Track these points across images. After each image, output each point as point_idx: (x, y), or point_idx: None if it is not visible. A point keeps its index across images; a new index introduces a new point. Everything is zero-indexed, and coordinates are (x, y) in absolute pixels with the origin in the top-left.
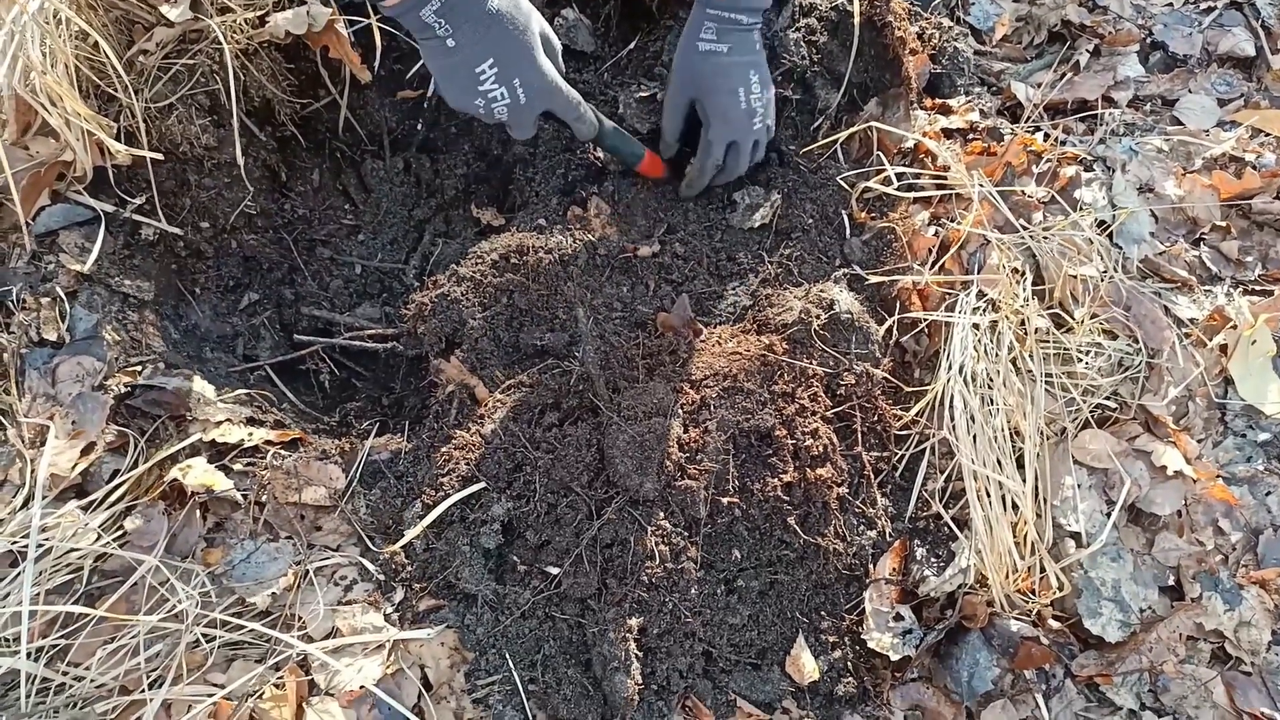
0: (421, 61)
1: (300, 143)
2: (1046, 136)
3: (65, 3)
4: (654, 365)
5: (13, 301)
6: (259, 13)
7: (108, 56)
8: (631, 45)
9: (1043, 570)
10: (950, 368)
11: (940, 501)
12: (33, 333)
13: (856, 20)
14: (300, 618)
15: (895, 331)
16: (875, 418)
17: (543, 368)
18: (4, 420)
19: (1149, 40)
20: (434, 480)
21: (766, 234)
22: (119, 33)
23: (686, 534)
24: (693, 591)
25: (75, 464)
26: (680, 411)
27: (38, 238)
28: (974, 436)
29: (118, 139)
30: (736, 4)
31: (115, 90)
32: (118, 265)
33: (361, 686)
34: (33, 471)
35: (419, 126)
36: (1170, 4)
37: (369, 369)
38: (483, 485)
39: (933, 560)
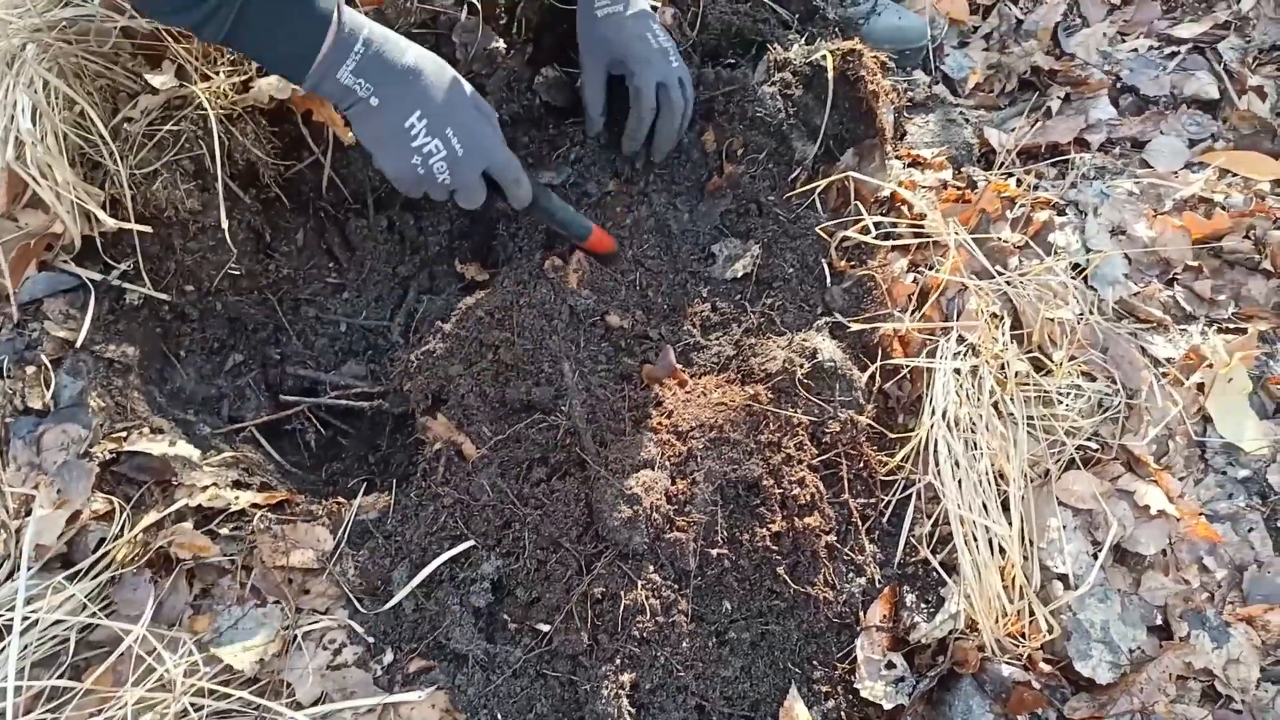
0: None
1: (284, 203)
2: (1019, 182)
3: (53, 74)
4: (640, 417)
5: None
6: (243, 78)
7: (94, 125)
8: None
9: (1032, 613)
10: (933, 413)
11: (928, 547)
12: (17, 401)
13: (830, 75)
14: (289, 684)
15: (878, 378)
16: (861, 464)
17: (529, 423)
18: None
19: (1118, 84)
20: (422, 539)
21: (748, 284)
22: (104, 101)
23: (677, 586)
24: (684, 645)
25: (61, 534)
26: (668, 463)
27: (22, 306)
28: (959, 481)
29: (104, 207)
30: None
31: (102, 158)
32: (103, 331)
33: None
34: (18, 543)
35: None
36: (1135, 49)
37: (355, 427)
38: (472, 543)
39: (923, 606)
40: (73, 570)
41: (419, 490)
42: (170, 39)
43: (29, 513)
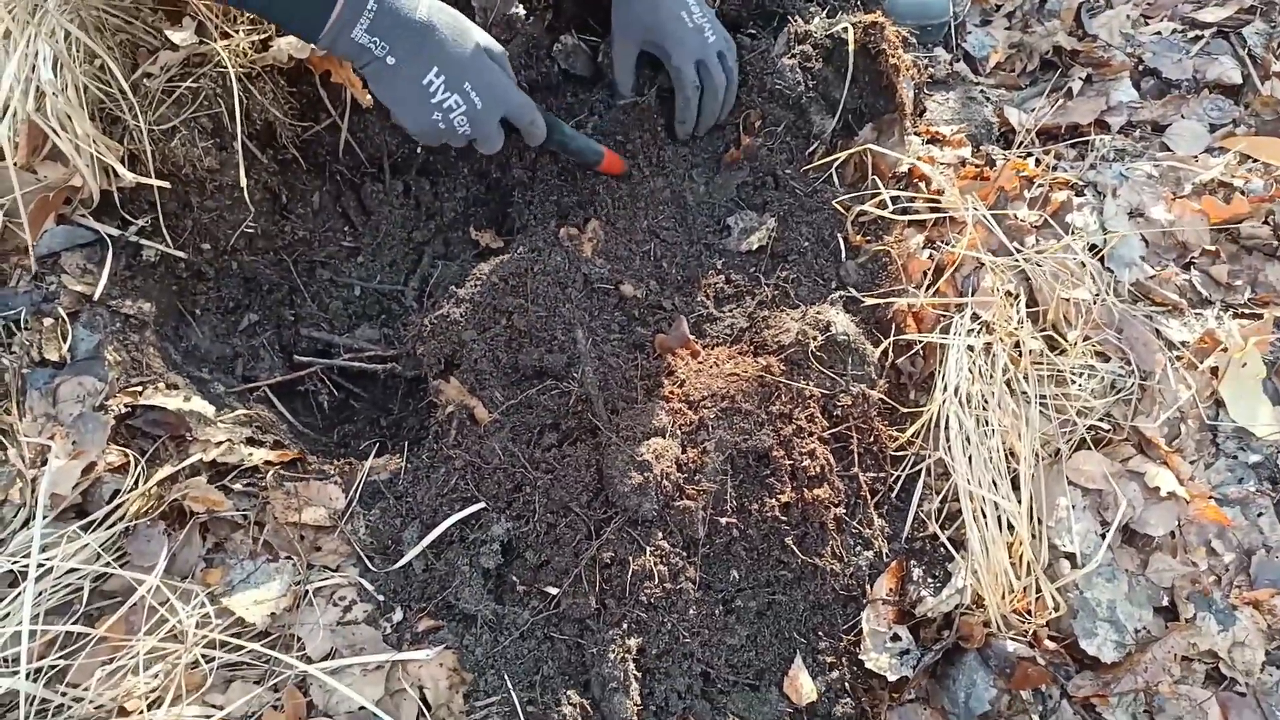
0: None
1: (301, 165)
2: (1038, 162)
3: (75, 25)
4: (652, 386)
5: (15, 323)
6: (262, 37)
7: (115, 79)
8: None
9: (1039, 591)
10: (946, 389)
11: (936, 522)
12: (34, 353)
13: (851, 48)
14: (299, 638)
15: (891, 353)
16: (872, 439)
17: (542, 388)
18: (5, 440)
19: (1140, 67)
20: (433, 500)
21: (763, 257)
22: (124, 55)
23: (685, 554)
24: (691, 612)
25: (76, 484)
26: (679, 432)
27: (40, 259)
28: (969, 457)
29: (123, 161)
30: None
31: (121, 112)
32: (119, 286)
33: (361, 707)
34: (34, 492)
35: (419, 150)
36: (1158, 32)
37: (368, 390)
38: (482, 505)
39: (929, 581)
40: (87, 520)
41: (430, 452)
42: None
43: (45, 463)
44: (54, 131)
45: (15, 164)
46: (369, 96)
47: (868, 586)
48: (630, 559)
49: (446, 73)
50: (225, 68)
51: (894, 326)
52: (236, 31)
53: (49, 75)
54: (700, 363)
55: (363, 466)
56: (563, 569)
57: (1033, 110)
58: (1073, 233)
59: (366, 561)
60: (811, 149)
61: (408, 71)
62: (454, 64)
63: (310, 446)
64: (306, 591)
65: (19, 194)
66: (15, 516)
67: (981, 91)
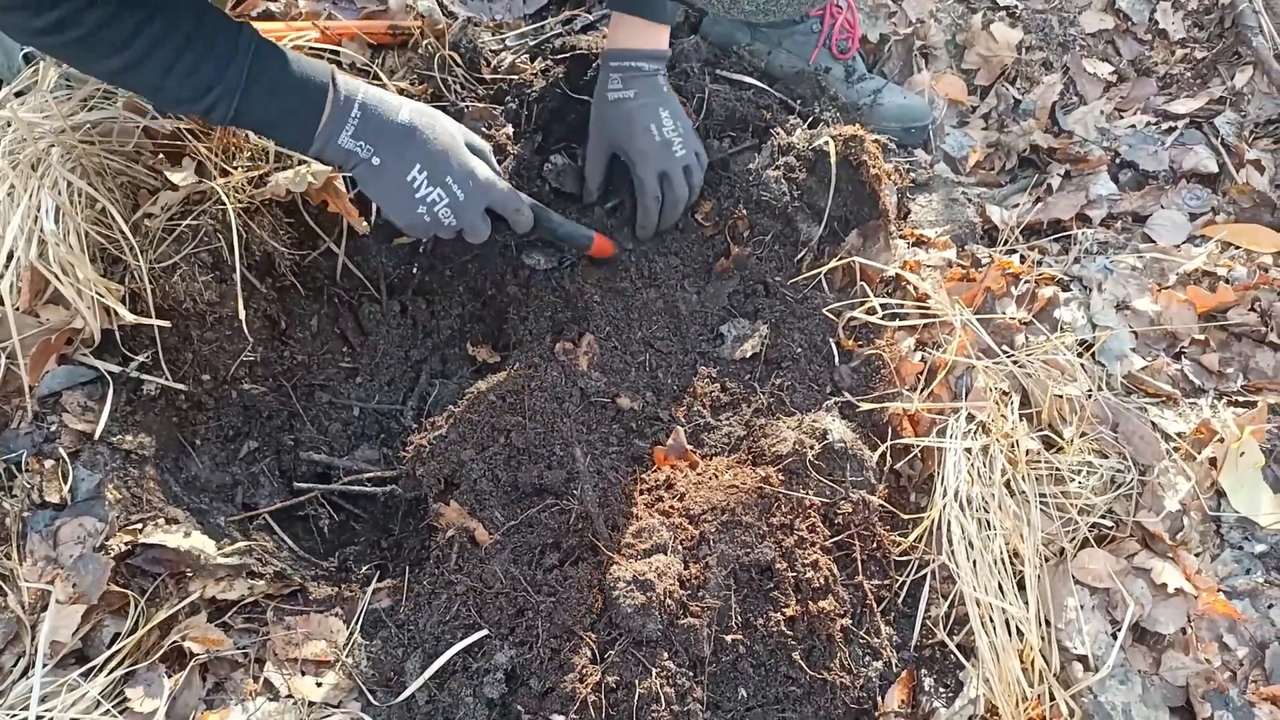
0: None
1: (299, 291)
2: (1023, 259)
3: (76, 174)
4: (652, 500)
5: (16, 465)
6: (260, 173)
7: (116, 222)
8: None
9: (1053, 697)
10: (945, 493)
11: (944, 628)
12: (35, 495)
13: (833, 160)
14: None
15: (889, 457)
16: (874, 545)
17: (542, 507)
18: (5, 586)
19: (1118, 160)
20: (435, 628)
21: (757, 364)
22: (125, 197)
23: (691, 674)
24: None
25: (76, 630)
26: (680, 547)
27: (41, 400)
28: (974, 562)
29: (123, 300)
30: (635, 54)
31: (122, 252)
32: (120, 423)
33: None
34: (34, 639)
35: (414, 270)
36: (1132, 126)
37: (368, 511)
38: (485, 633)
39: (941, 690)
40: (87, 667)
41: (432, 577)
42: (190, 138)
43: (45, 608)
44: (56, 277)
45: (17, 309)
46: (365, 224)
47: (879, 699)
48: (636, 682)
49: (429, 169)
50: (224, 204)
51: (890, 430)
52: (235, 169)
53: (51, 226)
54: (699, 474)
55: (364, 596)
56: (568, 695)
57: (1014, 207)
58: (1061, 329)
59: (369, 695)
60: (800, 256)
61: (392, 170)
62: (435, 160)
63: (311, 572)
64: None
65: (17, 340)
66: (15, 666)
67: (963, 192)
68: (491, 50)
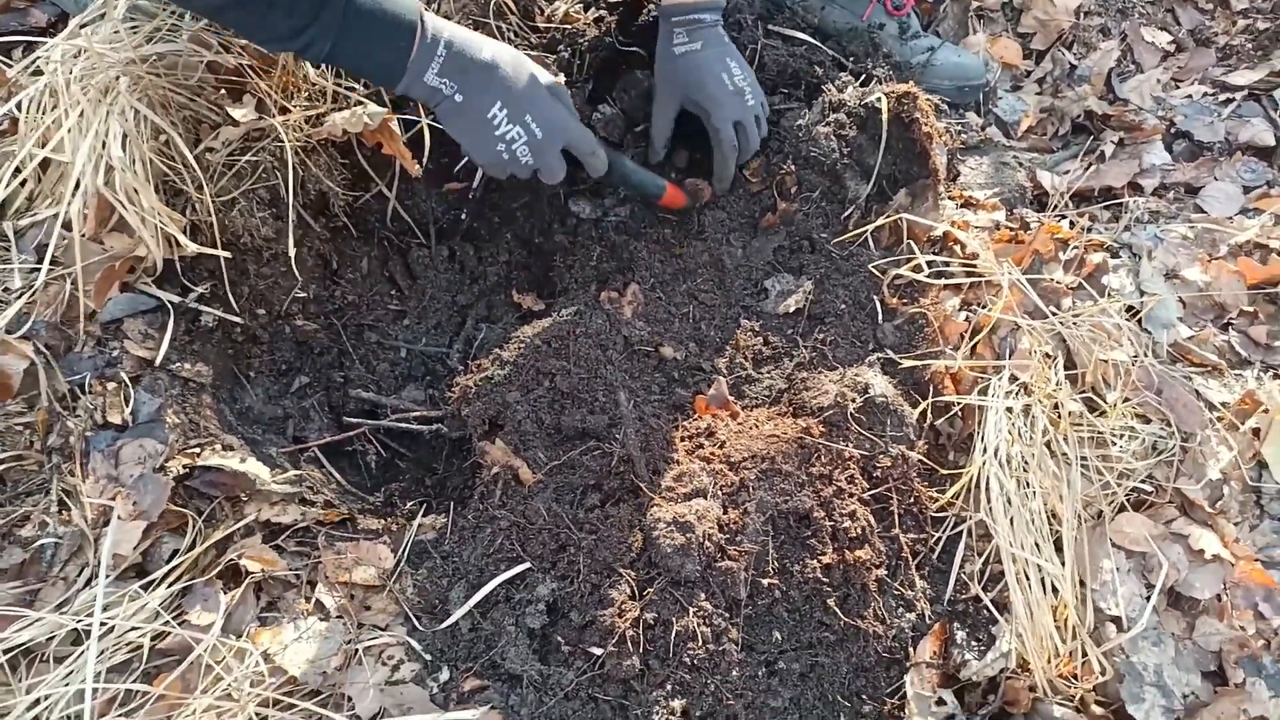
0: (465, 159)
1: (351, 232)
2: (1072, 225)
3: (143, 104)
4: (693, 447)
5: (79, 387)
6: (317, 112)
7: (180, 153)
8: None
9: (1084, 655)
10: (985, 450)
11: (979, 584)
12: (97, 416)
13: (884, 117)
14: (349, 697)
15: (929, 415)
16: (912, 500)
17: (584, 449)
18: (69, 501)
19: (1172, 130)
20: (479, 560)
21: (800, 319)
22: (188, 131)
23: (727, 615)
24: (734, 674)
25: (137, 544)
26: (720, 493)
27: (104, 325)
28: (1011, 519)
29: (185, 232)
30: (697, 6)
31: (184, 185)
32: (179, 351)
33: None
34: (96, 551)
35: (463, 216)
36: (1189, 96)
37: (413, 450)
38: (527, 566)
39: (973, 644)
40: (147, 580)
41: (476, 512)
42: (252, 74)
43: (107, 523)
44: (121, 204)
45: (83, 235)
46: (417, 167)
47: (911, 649)
48: (674, 620)
49: (509, 107)
50: (282, 142)
51: (932, 388)
52: (294, 108)
53: (119, 152)
54: (740, 424)
55: (410, 526)
56: (607, 629)
57: (1065, 173)
58: (1109, 295)
59: (414, 621)
60: (846, 214)
61: (474, 107)
62: (515, 98)
63: (358, 505)
64: (356, 650)
65: (80, 265)
66: (79, 576)
67: (1014, 156)
68: None
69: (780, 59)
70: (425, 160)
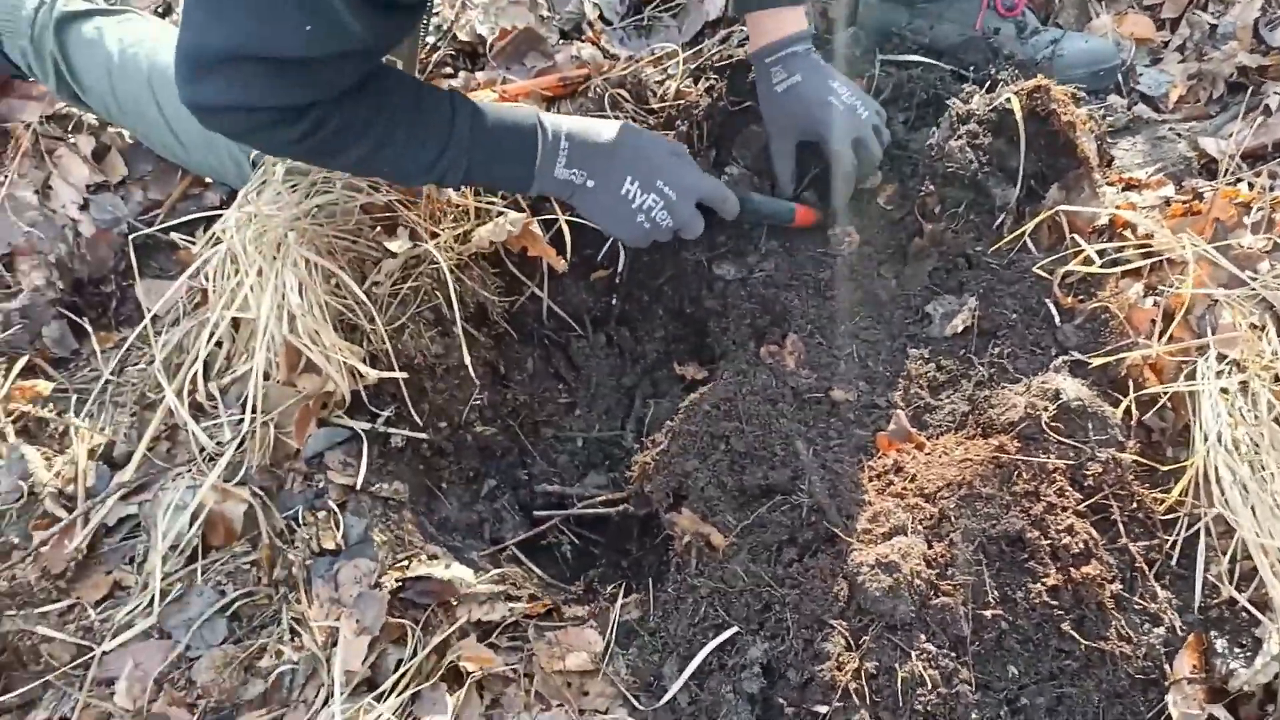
0: (609, 242)
1: (512, 336)
2: (1251, 186)
3: (312, 251)
4: (883, 485)
5: (294, 520)
6: (464, 230)
7: (351, 291)
8: None
9: None
10: (1207, 439)
11: (1231, 584)
12: (314, 545)
13: (1019, 117)
14: None
15: (1134, 411)
16: (1134, 505)
17: (771, 505)
18: (299, 628)
19: None
20: (686, 631)
21: (969, 338)
22: (354, 269)
23: (953, 654)
24: (974, 716)
25: (364, 659)
26: (920, 527)
27: (307, 461)
28: (1252, 508)
29: (365, 363)
30: (786, 42)
31: (358, 319)
32: (375, 473)
33: None
34: (329, 670)
35: (614, 301)
36: None
37: (605, 535)
38: (735, 630)
39: (1237, 651)
40: (377, 692)
41: (675, 584)
42: (401, 208)
43: (335, 643)
44: (306, 347)
45: (278, 382)
46: (563, 262)
47: (1166, 666)
48: (896, 666)
49: (640, 178)
50: (438, 264)
51: (1131, 383)
52: (442, 230)
53: (297, 300)
54: (928, 454)
55: (613, 608)
56: (828, 684)
57: (1230, 136)
58: None
59: (633, 700)
60: (998, 222)
61: (607, 188)
62: (643, 169)
63: (560, 596)
64: None
65: (278, 409)
66: (316, 696)
67: (1170, 129)
68: (656, 81)
69: (897, 84)
70: (569, 255)
